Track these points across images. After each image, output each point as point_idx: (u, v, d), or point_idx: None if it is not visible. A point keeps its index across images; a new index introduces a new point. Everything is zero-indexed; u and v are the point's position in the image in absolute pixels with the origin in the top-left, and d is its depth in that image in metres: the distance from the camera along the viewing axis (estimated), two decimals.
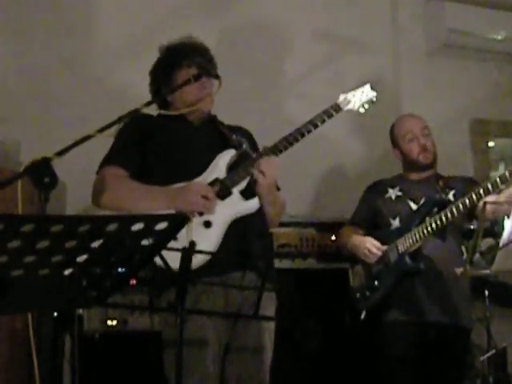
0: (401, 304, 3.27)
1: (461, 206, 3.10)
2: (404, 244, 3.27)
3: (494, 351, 3.56)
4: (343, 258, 3.57)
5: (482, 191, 3.03)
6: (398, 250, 3.28)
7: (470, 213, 3.27)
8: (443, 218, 3.15)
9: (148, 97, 2.50)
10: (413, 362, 3.21)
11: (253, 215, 2.66)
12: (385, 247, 3.31)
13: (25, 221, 1.47)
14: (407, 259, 3.25)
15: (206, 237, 2.53)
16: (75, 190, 3.78)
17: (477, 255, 3.06)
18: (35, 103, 3.87)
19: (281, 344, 2.72)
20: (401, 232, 3.31)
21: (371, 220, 3.54)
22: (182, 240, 2.44)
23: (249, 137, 2.92)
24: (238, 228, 2.60)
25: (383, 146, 3.68)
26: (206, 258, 2.44)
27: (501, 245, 3.01)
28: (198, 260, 2.34)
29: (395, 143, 3.58)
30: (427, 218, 3.23)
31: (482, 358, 3.65)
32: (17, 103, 3.84)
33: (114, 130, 2.08)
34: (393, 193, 3.49)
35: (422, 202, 3.36)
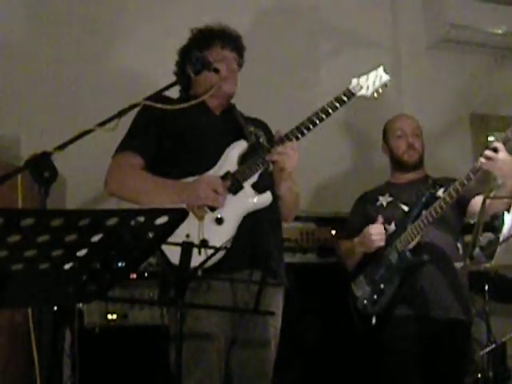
0: (404, 298, 3.27)
1: (448, 198, 3.11)
2: (402, 243, 3.26)
3: (493, 346, 3.57)
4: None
5: (465, 180, 3.05)
6: (397, 249, 3.27)
7: (462, 208, 3.31)
8: (437, 210, 3.15)
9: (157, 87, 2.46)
10: (415, 355, 3.22)
11: (265, 210, 2.63)
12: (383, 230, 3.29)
13: (25, 215, 1.47)
14: (408, 255, 3.24)
15: (217, 234, 2.52)
16: (75, 185, 3.78)
17: (477, 250, 3.05)
18: (35, 97, 3.87)
19: (281, 338, 2.73)
20: (397, 233, 3.30)
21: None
22: (193, 238, 2.46)
23: (266, 129, 2.90)
24: (250, 224, 2.58)
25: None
26: (220, 255, 2.42)
27: (501, 239, 3.01)
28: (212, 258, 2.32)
29: (385, 138, 3.61)
30: (422, 213, 3.22)
31: (481, 353, 3.66)
32: (17, 97, 3.84)
33: (114, 124, 2.07)
34: (383, 199, 3.47)
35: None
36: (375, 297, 3.32)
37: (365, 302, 3.35)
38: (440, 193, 3.34)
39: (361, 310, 3.37)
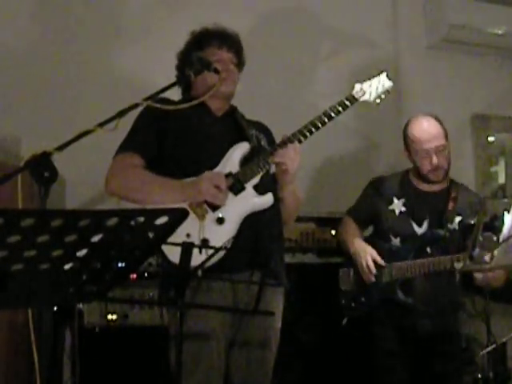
0: (390, 309, 3.31)
1: (455, 263, 3.17)
2: (399, 271, 3.28)
3: (493, 346, 3.56)
4: (343, 253, 3.56)
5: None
6: (391, 274, 3.29)
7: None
8: (440, 267, 3.19)
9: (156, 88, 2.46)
10: (404, 356, 3.25)
11: (266, 211, 2.63)
12: (383, 263, 3.31)
13: (25, 215, 1.47)
14: (398, 291, 3.27)
15: (218, 234, 2.52)
16: (75, 185, 3.79)
17: (477, 250, 3.05)
18: (35, 98, 3.87)
19: (281, 338, 2.73)
20: (398, 255, 3.31)
21: (369, 221, 3.54)
22: (194, 237, 2.46)
23: (267, 133, 2.91)
24: (251, 225, 2.58)
25: (383, 139, 3.68)
26: (220, 255, 2.42)
27: (501, 240, 3.01)
28: (213, 258, 2.33)
29: (407, 147, 3.44)
30: (426, 258, 3.24)
31: (481, 353, 3.65)
32: (17, 98, 3.84)
33: (114, 124, 2.07)
34: (397, 205, 3.40)
35: (424, 224, 3.34)
36: (353, 304, 3.35)
37: (343, 301, 3.40)
38: (455, 223, 3.33)
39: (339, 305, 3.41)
